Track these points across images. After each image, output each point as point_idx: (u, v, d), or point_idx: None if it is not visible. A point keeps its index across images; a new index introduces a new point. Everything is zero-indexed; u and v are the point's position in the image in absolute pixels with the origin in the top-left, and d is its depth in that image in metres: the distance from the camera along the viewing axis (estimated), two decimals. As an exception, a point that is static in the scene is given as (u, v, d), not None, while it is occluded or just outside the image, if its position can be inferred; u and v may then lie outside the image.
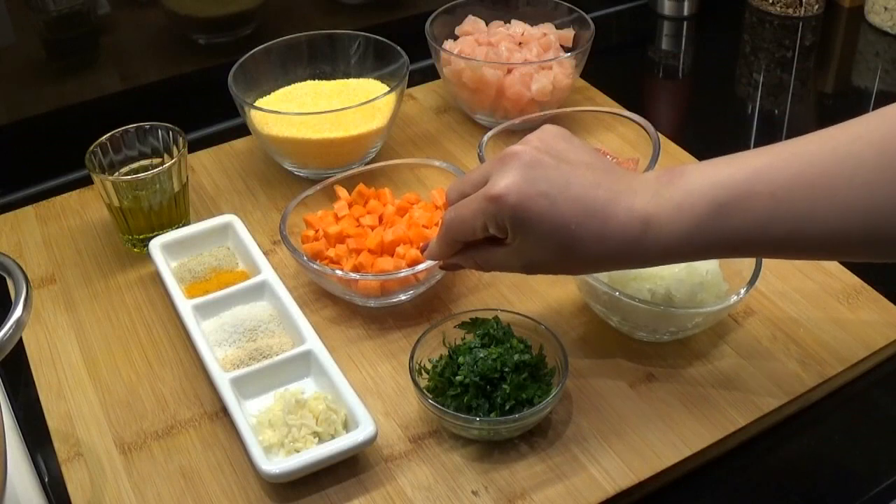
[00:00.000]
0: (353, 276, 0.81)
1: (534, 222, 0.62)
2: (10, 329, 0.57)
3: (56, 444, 0.74)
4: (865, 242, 0.58)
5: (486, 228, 0.65)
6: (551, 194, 0.62)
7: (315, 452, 0.69)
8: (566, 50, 1.09)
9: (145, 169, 0.91)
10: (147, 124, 0.92)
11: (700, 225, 0.60)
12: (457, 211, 0.67)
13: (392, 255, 0.84)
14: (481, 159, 0.90)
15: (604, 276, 0.79)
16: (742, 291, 0.77)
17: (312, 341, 0.78)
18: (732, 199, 0.59)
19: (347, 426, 0.72)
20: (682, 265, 0.80)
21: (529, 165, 0.63)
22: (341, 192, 0.90)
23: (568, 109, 1.00)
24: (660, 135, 0.92)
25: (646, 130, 0.92)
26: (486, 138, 0.93)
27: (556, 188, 0.62)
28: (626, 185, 0.63)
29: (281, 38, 1.05)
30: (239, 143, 1.07)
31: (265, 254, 0.87)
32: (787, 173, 0.58)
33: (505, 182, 0.63)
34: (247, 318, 0.81)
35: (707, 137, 1.10)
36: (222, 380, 0.75)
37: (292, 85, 1.05)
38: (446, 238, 0.70)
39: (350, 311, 0.85)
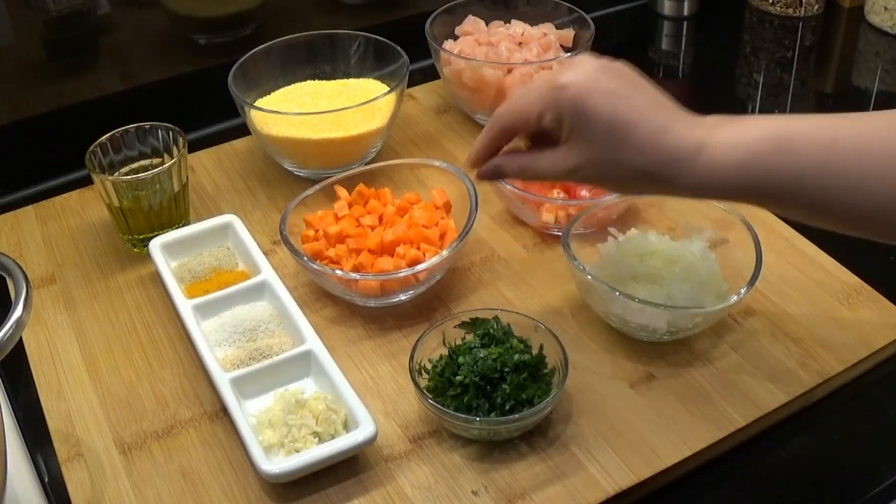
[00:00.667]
0: (353, 276, 0.81)
1: (592, 116, 0.62)
2: (10, 329, 0.57)
3: (56, 444, 0.74)
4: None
5: (541, 119, 0.65)
6: (616, 94, 0.63)
7: (315, 452, 0.69)
8: (566, 50, 1.09)
9: (145, 169, 0.91)
10: (147, 124, 0.92)
11: (753, 159, 0.60)
12: (514, 100, 0.67)
13: (392, 255, 0.84)
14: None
15: (604, 277, 0.79)
16: (742, 291, 0.77)
17: (312, 341, 0.78)
18: (790, 139, 0.60)
19: (347, 426, 0.72)
20: (684, 265, 0.80)
21: (599, 69, 0.64)
22: (341, 192, 0.90)
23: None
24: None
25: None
26: None
27: (621, 92, 0.63)
28: (687, 114, 0.64)
29: (281, 38, 1.05)
30: (239, 143, 1.07)
31: (265, 254, 0.87)
32: (846, 133, 0.59)
33: (574, 74, 0.63)
34: (247, 318, 0.81)
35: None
36: (222, 380, 0.75)
37: (292, 85, 1.05)
38: (494, 127, 0.69)
39: (350, 311, 0.85)
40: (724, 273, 0.81)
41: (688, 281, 0.79)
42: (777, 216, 0.92)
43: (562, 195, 0.90)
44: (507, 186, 0.90)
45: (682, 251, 0.82)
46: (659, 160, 0.62)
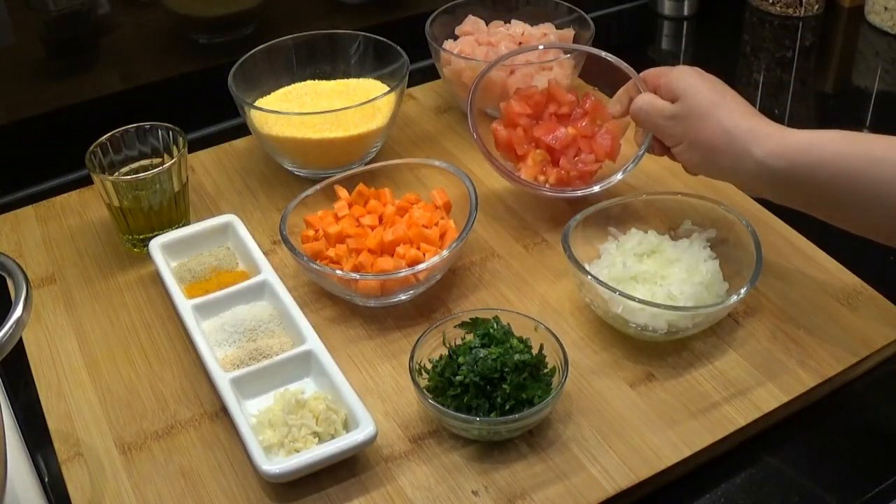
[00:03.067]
0: (353, 276, 0.81)
1: (698, 82, 0.82)
2: (10, 329, 0.57)
3: (56, 444, 0.74)
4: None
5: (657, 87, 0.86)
6: (716, 82, 0.82)
7: (315, 452, 0.69)
8: (566, 50, 1.09)
9: (145, 169, 0.91)
10: (147, 124, 0.92)
11: (811, 146, 0.73)
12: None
13: (392, 255, 0.84)
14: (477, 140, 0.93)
15: (604, 277, 0.79)
16: (742, 291, 0.77)
17: (312, 341, 0.78)
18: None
19: (347, 426, 0.72)
20: (684, 265, 0.80)
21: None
22: (341, 192, 0.90)
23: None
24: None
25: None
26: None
27: (720, 85, 0.82)
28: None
29: (281, 38, 1.05)
30: (239, 143, 1.07)
31: (265, 254, 0.87)
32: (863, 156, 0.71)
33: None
34: (247, 318, 0.81)
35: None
36: (222, 380, 0.75)
37: (292, 85, 1.05)
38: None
39: (350, 311, 0.85)
40: (724, 273, 0.81)
41: (688, 281, 0.79)
42: (777, 216, 0.92)
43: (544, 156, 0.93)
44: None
45: (682, 251, 0.82)
46: (743, 125, 0.76)
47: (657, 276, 0.80)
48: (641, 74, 0.88)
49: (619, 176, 0.92)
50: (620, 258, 0.81)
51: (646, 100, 0.85)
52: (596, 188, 0.92)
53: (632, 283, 0.79)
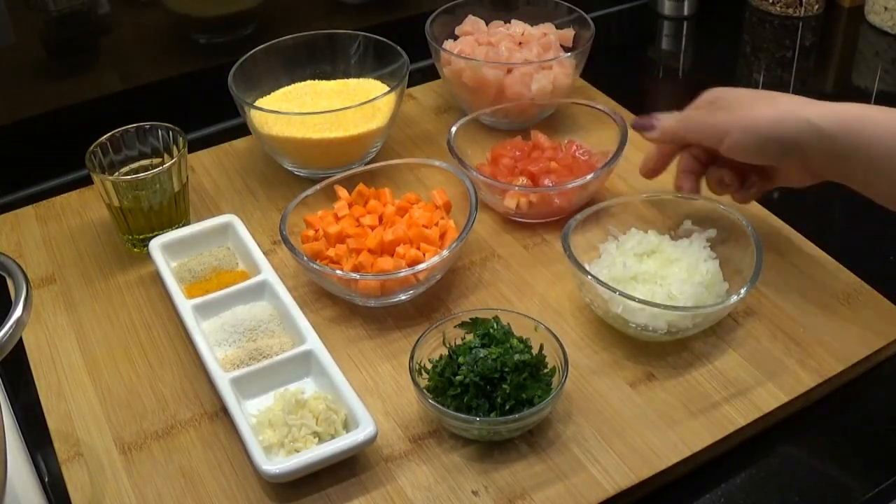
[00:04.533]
0: (353, 276, 0.81)
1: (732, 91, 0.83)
2: (10, 329, 0.57)
3: (56, 444, 0.74)
4: None
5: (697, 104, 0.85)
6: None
7: (315, 452, 0.69)
8: (566, 50, 1.09)
9: (145, 169, 0.91)
10: (147, 124, 0.92)
11: (861, 112, 0.74)
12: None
13: (392, 255, 0.84)
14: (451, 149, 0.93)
15: (604, 277, 0.79)
16: (742, 291, 0.77)
17: (312, 341, 0.78)
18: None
19: (347, 426, 0.72)
20: (684, 265, 0.80)
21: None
22: (341, 192, 0.90)
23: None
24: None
25: (612, 118, 0.96)
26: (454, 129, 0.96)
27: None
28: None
29: (281, 38, 1.05)
30: (239, 143, 1.07)
31: (265, 254, 0.87)
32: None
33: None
34: (247, 318, 0.81)
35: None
36: (222, 380, 0.75)
37: (292, 85, 1.05)
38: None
39: (350, 311, 0.85)
40: (725, 273, 0.81)
41: (688, 281, 0.79)
42: (777, 216, 0.92)
43: (526, 182, 0.92)
44: (474, 173, 0.91)
45: (682, 251, 0.82)
46: (799, 99, 0.77)
47: (657, 275, 0.80)
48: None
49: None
50: (620, 258, 0.81)
51: (675, 113, 0.85)
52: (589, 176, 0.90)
53: (632, 282, 0.79)
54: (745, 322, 0.82)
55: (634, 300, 0.75)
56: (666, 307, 0.76)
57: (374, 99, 0.96)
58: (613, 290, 0.76)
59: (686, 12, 1.35)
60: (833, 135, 0.73)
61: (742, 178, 0.85)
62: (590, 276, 0.78)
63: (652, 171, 0.89)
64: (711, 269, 0.81)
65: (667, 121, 0.85)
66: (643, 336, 0.79)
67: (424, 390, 0.73)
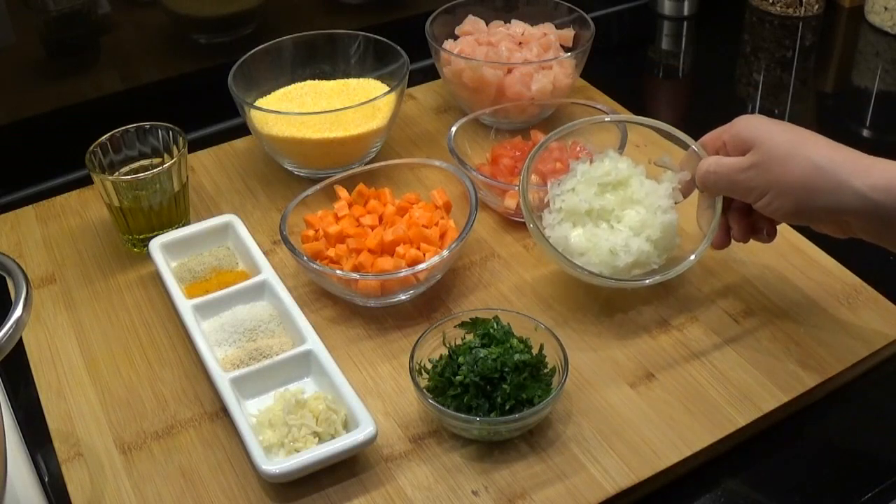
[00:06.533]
0: (353, 276, 0.81)
1: (768, 128, 0.74)
2: (10, 329, 0.57)
3: (56, 444, 0.74)
4: None
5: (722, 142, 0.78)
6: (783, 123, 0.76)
7: (315, 452, 0.69)
8: (566, 50, 1.09)
9: (145, 169, 0.91)
10: (147, 124, 0.92)
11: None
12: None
13: (392, 255, 0.84)
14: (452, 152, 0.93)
15: (560, 202, 0.82)
16: (692, 257, 0.80)
17: (312, 341, 0.78)
18: None
19: (347, 426, 0.72)
20: (641, 211, 0.81)
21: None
22: (341, 192, 0.90)
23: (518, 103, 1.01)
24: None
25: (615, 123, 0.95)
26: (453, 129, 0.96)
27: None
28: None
29: (281, 38, 1.05)
30: (239, 143, 1.07)
31: (265, 254, 0.87)
32: None
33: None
34: (247, 318, 0.81)
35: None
36: (222, 380, 0.75)
37: (292, 85, 1.05)
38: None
39: (350, 311, 0.85)
40: (689, 229, 0.83)
41: (638, 234, 0.80)
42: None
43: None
44: (474, 173, 0.91)
45: (645, 192, 0.81)
46: (837, 157, 0.69)
47: (612, 215, 0.80)
48: (699, 141, 0.81)
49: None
50: (585, 186, 0.82)
51: (713, 161, 0.77)
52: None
53: (583, 218, 0.80)
54: (745, 322, 0.82)
55: (584, 273, 0.79)
56: (610, 279, 0.79)
57: (374, 99, 0.96)
58: (565, 258, 0.79)
59: (686, 12, 1.35)
60: (882, 204, 0.68)
61: (772, 224, 0.80)
62: (532, 225, 0.80)
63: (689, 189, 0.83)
64: (665, 222, 0.80)
65: (701, 170, 0.78)
66: (614, 284, 0.81)
67: (424, 390, 0.73)
